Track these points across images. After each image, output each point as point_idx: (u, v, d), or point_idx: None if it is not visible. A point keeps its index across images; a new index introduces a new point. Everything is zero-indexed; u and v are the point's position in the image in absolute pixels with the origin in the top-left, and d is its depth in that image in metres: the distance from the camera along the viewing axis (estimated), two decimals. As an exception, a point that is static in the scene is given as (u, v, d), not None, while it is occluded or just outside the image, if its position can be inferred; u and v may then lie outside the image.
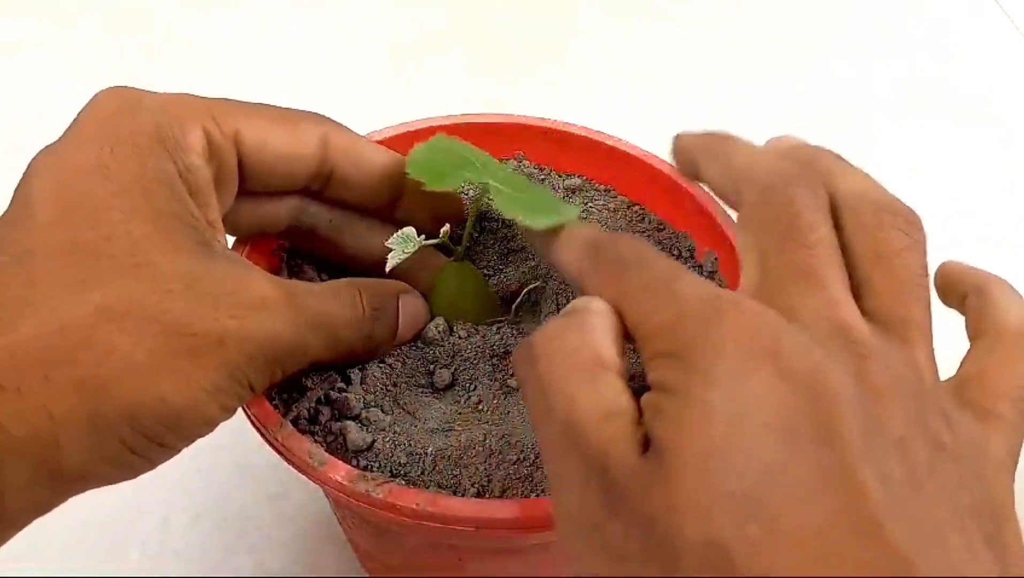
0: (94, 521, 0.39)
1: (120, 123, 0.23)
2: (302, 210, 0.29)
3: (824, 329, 0.19)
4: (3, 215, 0.23)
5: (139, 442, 0.21)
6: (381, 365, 0.28)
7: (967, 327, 0.23)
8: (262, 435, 0.26)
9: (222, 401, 0.22)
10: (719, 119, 0.62)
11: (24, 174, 0.23)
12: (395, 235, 0.28)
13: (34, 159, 0.23)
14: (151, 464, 0.23)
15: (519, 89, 0.67)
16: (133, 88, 0.25)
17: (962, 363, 0.22)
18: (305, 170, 0.27)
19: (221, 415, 0.23)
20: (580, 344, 0.19)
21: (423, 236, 0.28)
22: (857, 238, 0.21)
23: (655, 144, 0.35)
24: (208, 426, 0.23)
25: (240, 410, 0.26)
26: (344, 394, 0.27)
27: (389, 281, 0.28)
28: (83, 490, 0.22)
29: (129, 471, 0.22)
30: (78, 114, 0.24)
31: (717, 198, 0.32)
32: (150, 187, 0.23)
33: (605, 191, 0.36)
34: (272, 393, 0.27)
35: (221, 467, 0.42)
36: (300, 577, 0.39)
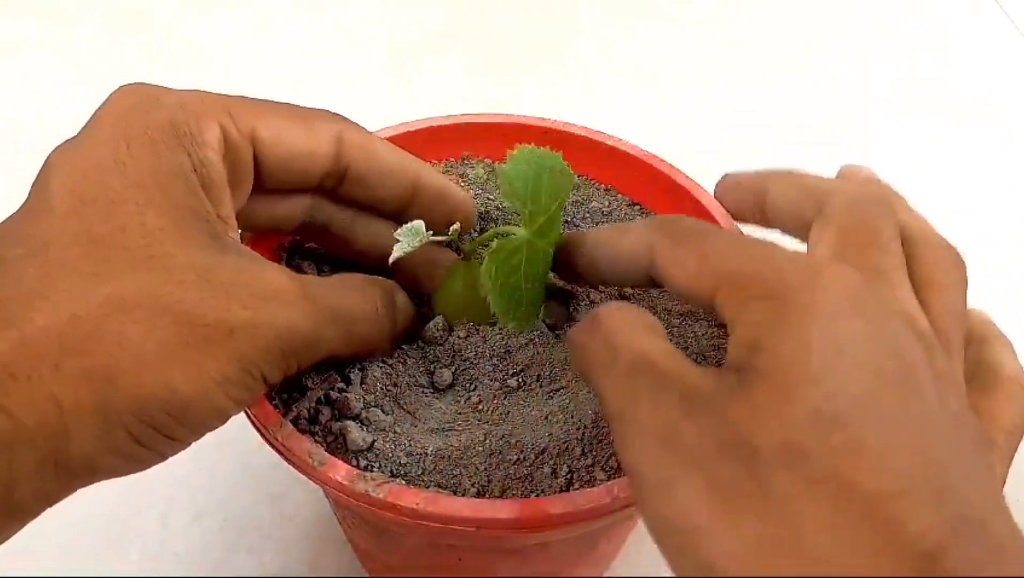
0: (94, 520, 0.39)
1: (136, 118, 0.24)
2: (315, 207, 0.29)
3: (897, 314, 0.22)
4: (21, 209, 0.23)
5: (147, 433, 0.21)
6: (381, 365, 0.28)
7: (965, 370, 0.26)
8: (262, 435, 0.26)
9: (233, 393, 0.22)
10: (719, 119, 0.62)
11: (41, 169, 0.23)
12: (403, 227, 0.27)
13: (51, 154, 0.24)
14: (159, 457, 0.23)
15: (519, 89, 0.67)
16: (151, 85, 0.25)
17: None
18: (320, 168, 0.27)
19: (231, 407, 0.23)
20: (640, 315, 0.22)
21: (431, 232, 0.28)
22: (915, 268, 0.24)
23: (655, 144, 0.35)
24: (218, 418, 0.23)
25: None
26: (344, 394, 0.27)
27: (383, 278, 0.28)
28: (90, 482, 0.22)
29: (137, 463, 0.22)
30: (96, 110, 0.24)
31: (713, 199, 0.32)
32: (165, 181, 0.23)
33: (605, 191, 0.36)
34: (272, 393, 0.27)
35: (221, 467, 0.42)
36: (300, 577, 0.39)
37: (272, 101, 0.27)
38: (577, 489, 0.25)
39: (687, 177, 0.34)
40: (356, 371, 0.28)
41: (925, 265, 0.24)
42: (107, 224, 0.22)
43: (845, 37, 0.75)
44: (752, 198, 0.29)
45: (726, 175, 0.30)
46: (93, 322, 0.21)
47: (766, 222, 0.28)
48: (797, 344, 0.18)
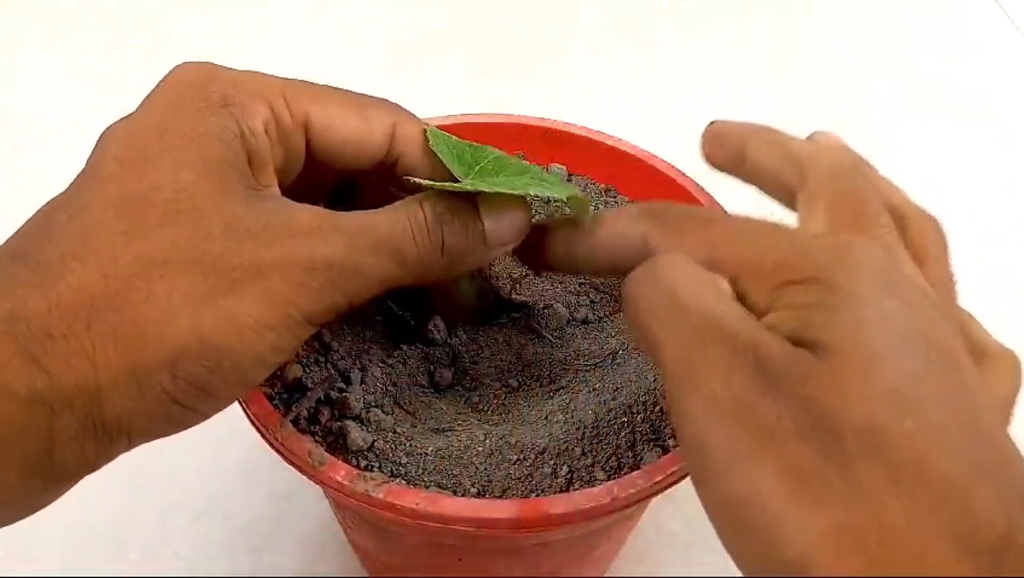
0: (94, 520, 0.39)
1: (189, 91, 0.24)
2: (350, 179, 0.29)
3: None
4: (74, 180, 0.23)
5: (182, 390, 0.21)
6: (382, 365, 0.28)
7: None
8: (262, 435, 0.26)
9: (271, 338, 0.22)
10: (719, 119, 0.62)
11: (96, 142, 0.24)
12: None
13: (106, 129, 0.24)
14: (199, 416, 0.22)
15: (519, 89, 0.67)
16: (211, 63, 0.25)
17: None
18: (371, 157, 0.27)
19: (273, 354, 0.22)
20: (703, 272, 0.21)
21: None
22: (906, 239, 0.24)
23: (655, 144, 0.35)
24: (260, 367, 0.22)
25: (240, 410, 0.26)
26: (344, 394, 0.27)
27: (423, 193, 0.26)
28: (131, 447, 0.21)
29: (176, 425, 0.22)
30: (155, 86, 0.25)
31: (711, 195, 0.32)
32: (203, 140, 0.23)
33: (605, 191, 0.36)
34: (272, 393, 0.27)
35: (221, 467, 0.42)
36: (300, 577, 0.39)
37: (329, 86, 0.27)
38: (577, 489, 0.25)
39: (687, 177, 0.34)
40: (356, 371, 0.28)
41: (914, 236, 0.25)
42: (141, 183, 0.22)
43: (845, 37, 0.75)
44: (732, 153, 0.28)
45: (713, 122, 0.30)
46: (122, 280, 0.20)
47: (744, 178, 0.28)
48: (857, 323, 0.18)
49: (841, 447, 0.17)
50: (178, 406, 0.21)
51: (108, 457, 0.21)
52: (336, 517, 0.35)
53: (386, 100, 0.27)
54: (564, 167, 0.36)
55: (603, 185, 0.36)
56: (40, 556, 0.38)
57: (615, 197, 0.36)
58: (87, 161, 0.23)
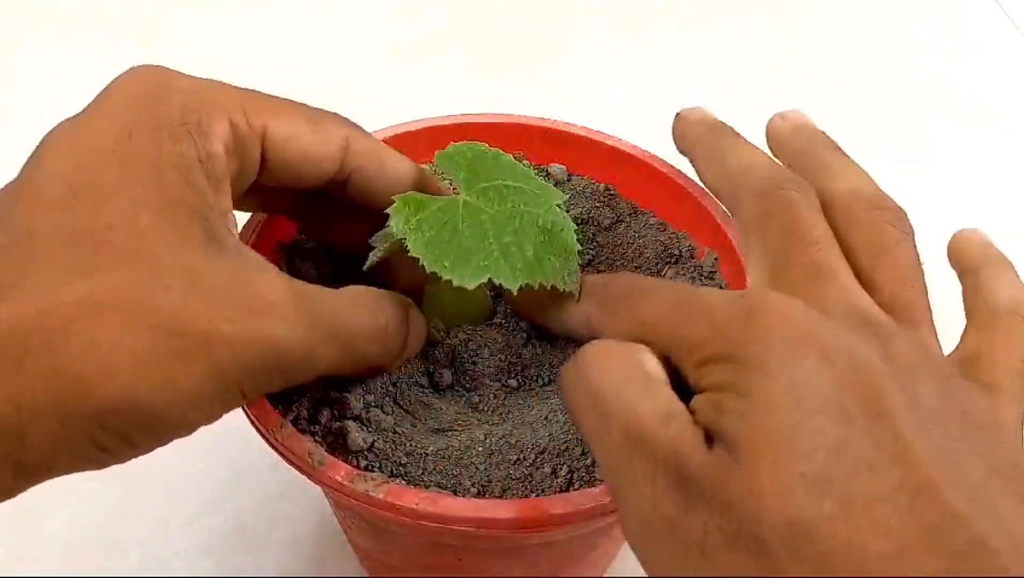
0: (94, 521, 0.39)
1: (144, 106, 0.23)
2: (303, 198, 0.28)
3: (845, 316, 0.21)
4: (10, 187, 0.22)
5: (108, 440, 0.20)
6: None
7: (964, 303, 0.25)
8: (262, 435, 0.25)
9: (206, 409, 0.21)
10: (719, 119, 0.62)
11: (38, 146, 0.22)
12: (379, 233, 0.27)
13: (51, 132, 0.22)
14: (118, 461, 0.21)
15: (519, 89, 0.67)
16: (165, 68, 0.24)
17: (961, 342, 0.24)
18: (326, 172, 0.26)
19: (201, 422, 0.22)
20: (629, 357, 0.20)
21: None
22: (853, 233, 0.23)
23: (655, 144, 0.35)
24: (186, 431, 0.22)
25: (240, 410, 0.26)
26: (344, 394, 0.27)
27: (398, 294, 0.27)
28: (48, 479, 0.21)
29: (95, 465, 0.21)
30: (105, 88, 0.23)
31: (714, 200, 0.32)
32: (164, 174, 0.22)
33: (605, 191, 0.36)
34: (272, 393, 0.27)
35: (221, 467, 0.42)
36: (300, 577, 0.39)
37: (285, 99, 0.26)
38: (577, 489, 0.25)
39: (687, 177, 0.34)
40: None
41: (861, 229, 0.23)
42: (96, 219, 0.21)
43: (845, 37, 0.75)
44: (689, 154, 0.29)
45: (678, 114, 0.30)
46: (63, 320, 0.19)
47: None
48: (764, 404, 0.17)
49: (767, 550, 0.16)
50: (102, 452, 0.20)
51: (25, 488, 0.21)
52: (336, 517, 0.35)
53: (339, 115, 0.27)
54: (564, 167, 0.36)
55: (603, 185, 0.36)
56: (40, 556, 0.38)
57: (615, 197, 0.36)
58: (28, 167, 0.22)
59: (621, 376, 0.20)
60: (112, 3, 0.73)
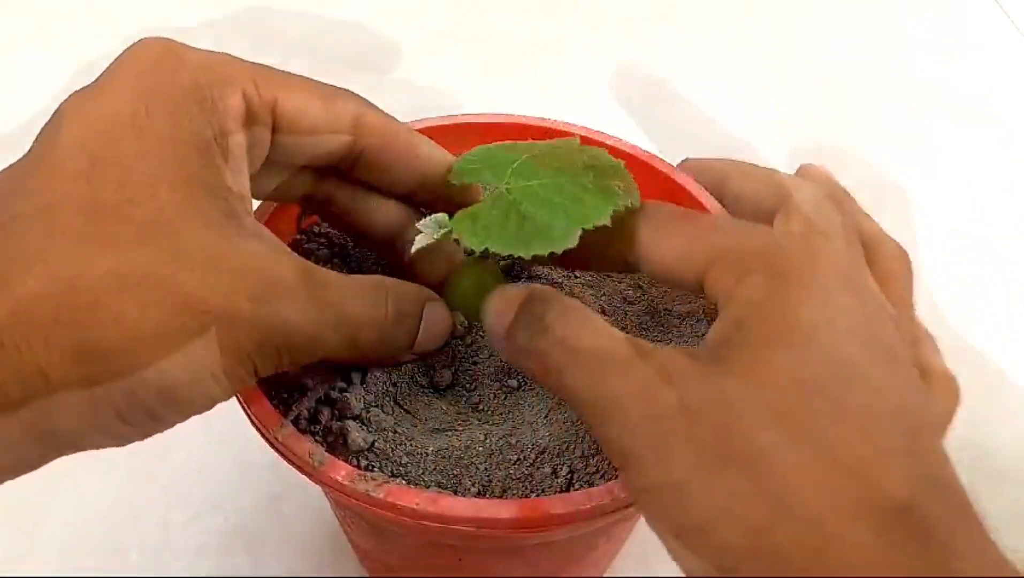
0: (94, 520, 0.39)
1: (159, 77, 0.23)
2: (319, 184, 0.28)
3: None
4: (27, 158, 0.22)
5: (134, 414, 0.21)
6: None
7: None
8: (262, 435, 0.25)
9: (223, 383, 0.22)
10: (719, 119, 0.62)
11: (53, 117, 0.22)
12: (428, 219, 0.26)
13: (65, 103, 0.22)
14: (143, 435, 0.22)
15: (519, 89, 0.67)
16: (175, 41, 0.24)
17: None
18: (337, 147, 0.26)
19: (220, 396, 0.22)
20: (586, 310, 0.22)
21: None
22: (873, 263, 0.27)
23: (655, 144, 0.35)
24: (207, 405, 0.22)
25: (240, 410, 0.26)
26: (344, 394, 0.27)
27: (417, 286, 0.27)
28: (72, 452, 0.21)
29: (120, 440, 0.22)
30: (116, 59, 0.23)
31: (714, 200, 0.32)
32: (183, 151, 0.22)
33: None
34: (272, 393, 0.27)
35: (221, 467, 0.42)
36: (300, 577, 0.39)
37: (296, 75, 0.26)
38: (577, 489, 0.25)
39: (687, 177, 0.34)
40: (356, 371, 0.28)
41: (883, 260, 0.27)
42: (117, 193, 0.21)
43: (845, 37, 0.75)
44: (711, 183, 0.31)
45: (687, 159, 0.32)
46: (91, 295, 0.20)
47: (723, 206, 0.31)
48: (783, 315, 0.20)
49: (744, 422, 0.18)
50: (127, 425, 0.21)
51: (50, 460, 0.21)
52: (336, 517, 0.35)
53: (351, 92, 0.27)
54: None
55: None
56: (40, 556, 0.38)
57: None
58: (43, 137, 0.22)
59: (586, 322, 0.22)
60: (112, 3, 0.73)
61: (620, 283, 0.32)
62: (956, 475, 0.19)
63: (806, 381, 0.19)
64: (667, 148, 0.32)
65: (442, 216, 0.26)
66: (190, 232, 0.21)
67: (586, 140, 0.36)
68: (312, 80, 0.26)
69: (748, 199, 0.29)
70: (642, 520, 0.38)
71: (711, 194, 0.31)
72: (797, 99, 0.67)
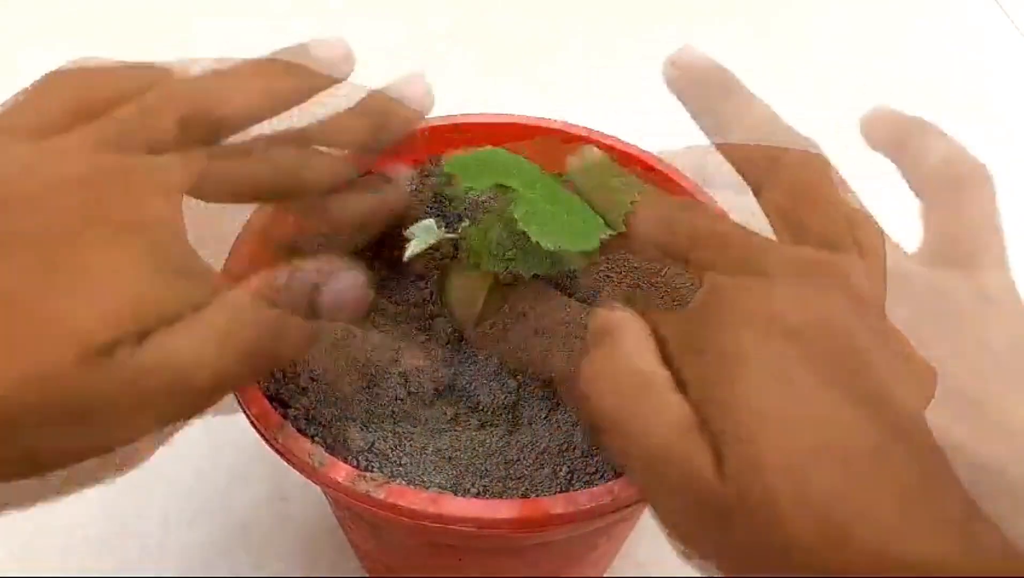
0: (94, 520, 0.39)
1: (75, 113, 0.23)
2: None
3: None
4: None
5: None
6: (381, 365, 0.28)
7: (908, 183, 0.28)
8: (262, 436, 0.25)
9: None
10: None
11: None
12: (417, 225, 0.27)
13: None
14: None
15: (519, 89, 0.67)
16: (92, 67, 0.24)
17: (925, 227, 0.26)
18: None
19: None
20: (620, 366, 0.21)
21: (443, 228, 0.28)
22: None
23: (655, 144, 0.35)
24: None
25: (240, 410, 0.26)
26: (344, 395, 0.27)
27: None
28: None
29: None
30: (27, 91, 0.23)
31: (708, 194, 0.32)
32: (101, 186, 0.21)
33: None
34: (272, 393, 0.27)
35: (221, 467, 0.42)
36: (300, 577, 0.39)
37: (231, 71, 0.25)
38: (577, 489, 0.25)
39: (687, 177, 0.34)
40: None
41: (862, 236, 0.26)
42: (27, 222, 0.20)
43: (845, 37, 0.75)
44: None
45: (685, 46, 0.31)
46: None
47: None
48: (748, 395, 0.19)
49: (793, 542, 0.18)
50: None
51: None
52: (336, 518, 0.35)
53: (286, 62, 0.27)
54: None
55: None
56: (40, 556, 0.38)
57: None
58: None
59: (632, 387, 0.20)
60: (112, 3, 0.73)
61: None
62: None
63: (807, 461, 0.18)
64: (667, 148, 0.32)
65: (430, 222, 0.27)
66: (101, 263, 0.20)
67: (586, 139, 0.36)
68: (246, 72, 0.26)
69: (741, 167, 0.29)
70: (642, 520, 0.38)
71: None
72: (797, 99, 0.67)
